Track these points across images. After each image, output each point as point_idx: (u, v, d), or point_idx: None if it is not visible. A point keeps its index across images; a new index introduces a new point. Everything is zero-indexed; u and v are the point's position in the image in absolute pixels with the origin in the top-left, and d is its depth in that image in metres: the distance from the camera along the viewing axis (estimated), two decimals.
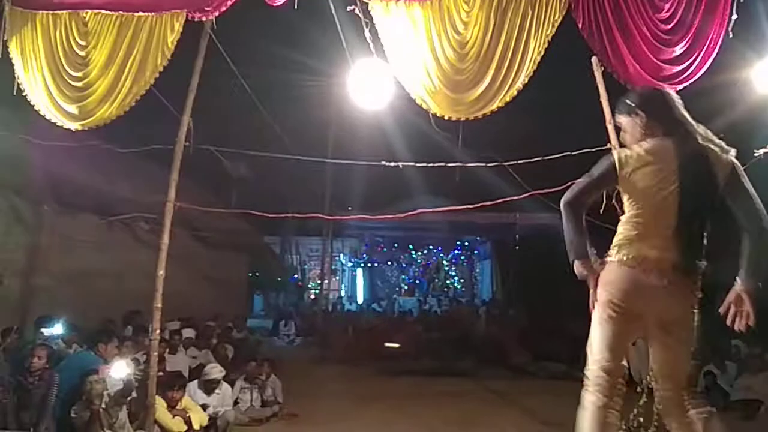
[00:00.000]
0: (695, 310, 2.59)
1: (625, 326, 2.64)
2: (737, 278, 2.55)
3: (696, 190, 2.54)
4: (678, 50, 4.02)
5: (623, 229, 2.67)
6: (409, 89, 4.37)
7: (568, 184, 4.76)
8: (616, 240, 2.69)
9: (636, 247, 2.59)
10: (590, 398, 2.65)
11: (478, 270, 21.85)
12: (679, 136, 2.63)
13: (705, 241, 2.62)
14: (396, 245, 21.13)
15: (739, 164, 2.60)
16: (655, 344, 2.67)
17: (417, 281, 21.90)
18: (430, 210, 5.73)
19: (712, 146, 2.60)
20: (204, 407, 5.83)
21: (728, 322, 2.56)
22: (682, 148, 2.58)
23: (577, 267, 2.74)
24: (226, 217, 10.46)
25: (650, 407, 4.36)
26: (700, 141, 2.60)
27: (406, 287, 21.74)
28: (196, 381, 6.13)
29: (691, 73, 4.00)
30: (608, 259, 2.67)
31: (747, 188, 2.57)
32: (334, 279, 22.12)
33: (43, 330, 6.35)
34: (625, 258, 2.60)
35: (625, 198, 2.68)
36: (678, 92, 4.10)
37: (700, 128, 2.69)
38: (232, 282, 13.67)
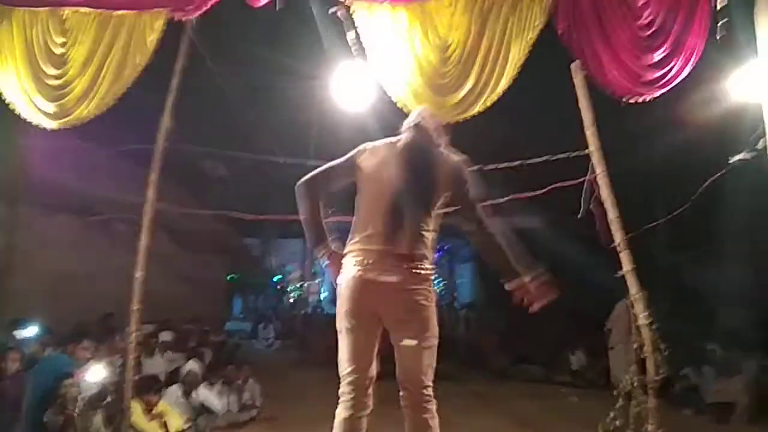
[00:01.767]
0: (425, 304, 2.57)
1: (364, 333, 2.62)
2: (516, 278, 2.64)
3: (415, 187, 2.61)
4: (657, 56, 4.07)
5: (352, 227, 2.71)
6: (391, 92, 4.36)
7: (549, 188, 4.83)
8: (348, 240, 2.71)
9: (358, 245, 2.62)
10: (339, 411, 2.60)
11: (458, 273, 21.91)
12: (411, 135, 2.75)
13: (428, 235, 2.63)
14: None
15: (466, 170, 2.72)
16: (394, 344, 2.63)
17: None
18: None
19: (444, 151, 2.75)
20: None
21: (530, 310, 2.65)
22: (408, 149, 2.70)
23: (316, 255, 2.80)
24: (205, 218, 10.36)
25: (627, 410, 4.42)
26: (430, 143, 2.74)
27: None
28: (177, 387, 6.07)
29: (670, 79, 4.05)
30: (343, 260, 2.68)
31: (470, 195, 2.66)
32: (314, 282, 22.03)
33: (16, 332, 6.23)
34: (350, 258, 2.62)
35: (358, 196, 2.73)
36: (657, 98, 4.18)
37: (441, 138, 2.83)
38: (211, 284, 13.55)
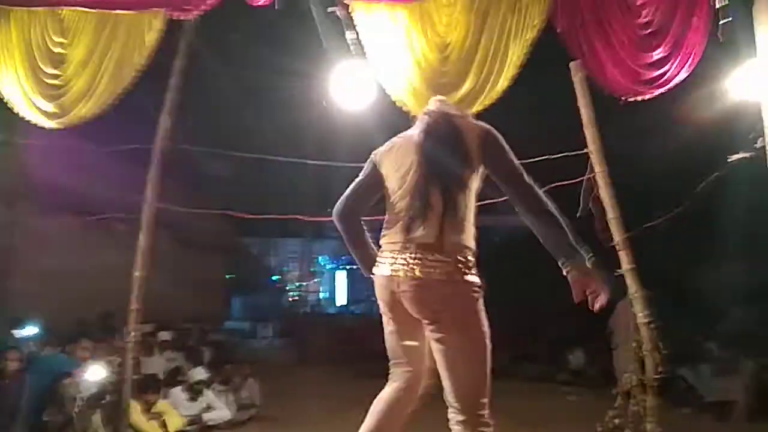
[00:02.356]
0: (462, 298, 2.26)
1: (406, 334, 2.43)
2: (564, 265, 2.25)
3: (439, 164, 2.33)
4: (656, 55, 4.07)
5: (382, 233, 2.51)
6: (390, 91, 4.36)
7: (547, 187, 4.83)
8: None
9: (385, 239, 2.44)
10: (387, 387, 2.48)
11: None
12: (428, 117, 2.50)
13: (465, 220, 2.34)
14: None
15: (496, 135, 2.39)
16: (432, 351, 2.34)
17: None
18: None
19: (464, 118, 2.51)
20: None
21: (594, 307, 2.24)
22: (426, 125, 2.47)
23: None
24: (204, 217, 10.35)
25: (626, 409, 4.43)
26: (449, 115, 2.48)
27: None
28: (179, 386, 6.08)
29: (669, 78, 4.04)
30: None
31: (507, 163, 2.34)
32: (314, 281, 22.03)
33: (15, 332, 6.24)
34: (380, 256, 2.44)
35: (386, 194, 2.52)
36: (656, 97, 4.18)
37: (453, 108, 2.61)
38: (210, 283, 13.55)
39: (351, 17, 4.33)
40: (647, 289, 4.41)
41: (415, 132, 2.51)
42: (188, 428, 5.79)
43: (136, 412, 5.05)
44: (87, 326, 7.05)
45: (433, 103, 2.61)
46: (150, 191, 4.68)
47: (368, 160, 2.59)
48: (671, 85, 4.07)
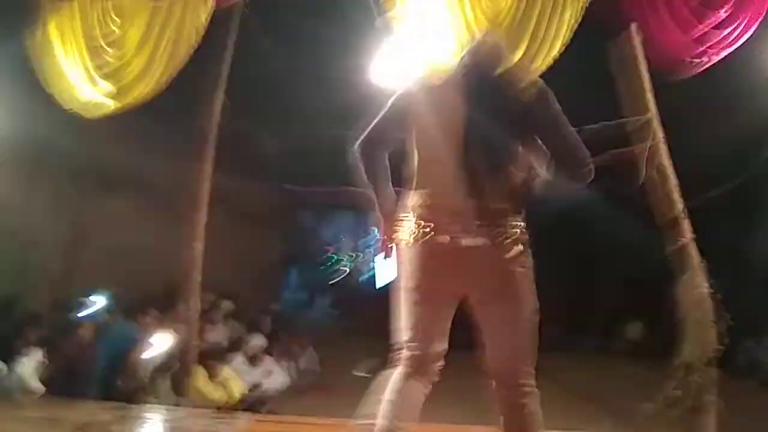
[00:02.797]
0: (521, 270, 2.08)
1: (436, 309, 2.16)
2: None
3: (486, 117, 2.05)
4: (722, 14, 3.87)
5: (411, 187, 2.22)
6: (440, 58, 4.30)
7: (607, 155, 4.70)
8: (406, 203, 2.20)
9: (421, 201, 2.13)
10: (394, 377, 2.20)
11: None
12: (470, 58, 2.23)
13: (513, 183, 2.12)
14: None
15: (546, 89, 2.12)
16: (479, 323, 2.15)
17: None
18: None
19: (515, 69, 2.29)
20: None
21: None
22: (471, 70, 2.19)
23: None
24: (260, 191, 10.56)
25: (688, 382, 4.33)
26: (497, 62, 2.22)
27: None
28: (239, 354, 6.28)
29: (733, 40, 3.85)
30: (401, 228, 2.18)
31: (555, 119, 2.07)
32: (368, 253, 22.20)
33: (87, 304, 6.57)
34: (413, 220, 2.13)
35: (414, 144, 2.23)
36: (718, 63, 3.97)
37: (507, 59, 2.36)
38: (267, 255, 13.84)
39: None
40: (709, 260, 4.28)
41: (456, 75, 2.23)
42: (250, 394, 5.99)
43: (201, 378, 5.26)
44: (153, 297, 7.35)
45: (476, 41, 2.34)
46: (207, 167, 4.80)
47: (395, 97, 2.27)
48: (734, 47, 3.87)
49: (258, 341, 6.61)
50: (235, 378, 5.84)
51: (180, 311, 6.45)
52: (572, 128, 2.09)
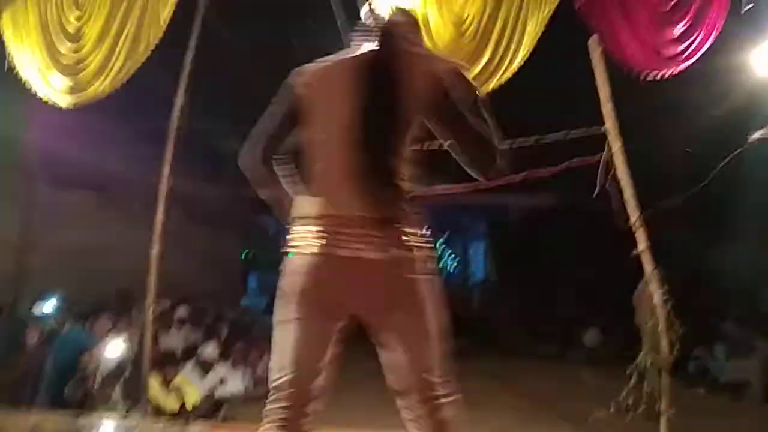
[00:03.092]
0: (425, 278, 1.83)
1: (317, 328, 1.83)
2: None
3: (384, 108, 1.77)
4: (678, 30, 3.99)
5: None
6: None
7: (564, 166, 4.78)
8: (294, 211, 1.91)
9: (313, 209, 1.83)
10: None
11: (471, 251, 21.92)
12: (379, 42, 1.89)
13: (408, 185, 1.85)
14: None
15: (463, 72, 1.89)
16: (384, 341, 1.87)
17: None
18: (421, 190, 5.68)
19: (419, 52, 1.96)
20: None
21: None
22: (376, 58, 1.86)
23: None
24: (219, 194, 10.43)
25: (640, 389, 4.43)
26: (404, 47, 1.89)
27: None
28: (190, 362, 6.16)
29: (690, 54, 3.97)
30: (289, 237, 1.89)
31: (472, 107, 1.83)
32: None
33: (35, 308, 6.35)
34: (304, 229, 1.83)
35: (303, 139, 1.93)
36: (678, 74, 4.10)
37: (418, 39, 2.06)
38: (227, 260, 13.67)
39: None
40: (663, 269, 4.38)
41: (359, 60, 1.89)
42: (204, 401, 5.88)
43: (154, 386, 5.14)
44: (106, 302, 7.16)
45: (389, 13, 2.02)
46: (166, 168, 4.70)
47: (285, 83, 1.96)
48: (692, 60, 3.99)
49: (212, 348, 6.49)
50: (190, 386, 5.72)
51: (134, 316, 6.33)
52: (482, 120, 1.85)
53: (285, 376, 1.80)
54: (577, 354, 10.26)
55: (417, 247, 1.81)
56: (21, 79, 4.74)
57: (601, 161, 4.44)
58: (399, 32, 1.91)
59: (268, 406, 1.82)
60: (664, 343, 4.23)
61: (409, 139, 1.84)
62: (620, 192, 4.34)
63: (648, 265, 4.30)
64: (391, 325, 1.83)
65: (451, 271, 21.79)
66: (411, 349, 1.82)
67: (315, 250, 1.79)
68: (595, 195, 4.52)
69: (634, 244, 4.34)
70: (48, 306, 6.55)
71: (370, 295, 1.80)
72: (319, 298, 1.80)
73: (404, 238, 1.78)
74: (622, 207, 4.36)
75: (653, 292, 4.31)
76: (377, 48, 1.87)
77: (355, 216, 1.76)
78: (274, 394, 1.83)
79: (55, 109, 4.81)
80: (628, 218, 4.32)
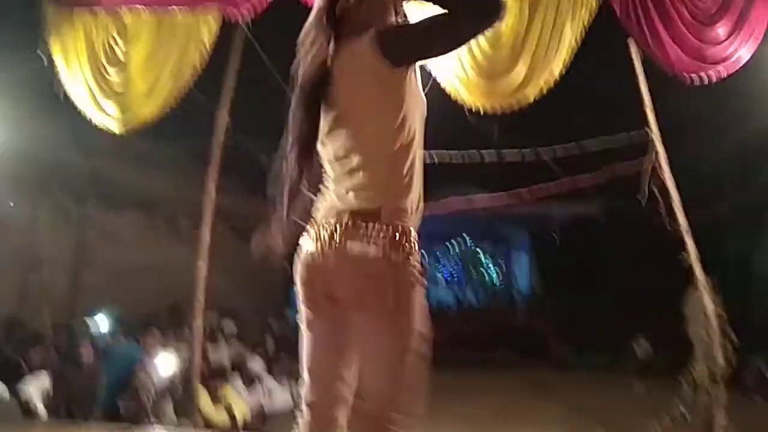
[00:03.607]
0: (408, 280, 1.61)
1: (326, 327, 1.73)
2: None
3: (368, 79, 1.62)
4: (721, 33, 3.89)
5: None
6: (440, 79, 4.32)
7: (605, 173, 4.70)
8: None
9: (318, 208, 1.76)
10: None
11: (515, 261, 21.63)
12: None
13: (410, 176, 1.66)
14: (430, 237, 21.03)
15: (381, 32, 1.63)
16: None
17: (453, 274, 21.78)
18: (462, 199, 5.63)
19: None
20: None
21: None
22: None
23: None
24: (263, 210, 10.58)
25: (695, 400, 4.29)
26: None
27: (442, 280, 21.65)
28: (238, 374, 6.24)
29: (736, 57, 3.86)
30: None
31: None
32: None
33: (89, 325, 6.55)
34: (306, 234, 1.75)
35: None
36: (723, 78, 3.99)
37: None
38: (271, 274, 13.83)
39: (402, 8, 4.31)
40: (715, 276, 4.25)
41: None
42: (252, 414, 5.94)
43: (204, 400, 5.22)
44: (156, 317, 7.33)
45: None
46: (211, 186, 4.81)
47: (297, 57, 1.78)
48: (739, 64, 3.88)
49: (258, 361, 6.57)
50: (238, 398, 5.80)
51: (183, 331, 6.46)
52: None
53: (306, 381, 1.75)
54: (627, 365, 9.98)
55: (392, 242, 1.60)
56: (76, 107, 4.90)
57: (646, 167, 4.36)
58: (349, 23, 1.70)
59: (298, 414, 1.76)
60: (718, 354, 4.10)
61: (375, 118, 1.65)
62: (666, 198, 4.25)
63: (699, 272, 4.19)
64: (357, 321, 1.65)
65: (496, 282, 21.56)
66: (369, 360, 1.65)
67: (306, 247, 1.73)
68: (643, 201, 4.42)
69: (683, 252, 4.23)
70: (101, 323, 6.75)
71: (340, 288, 1.66)
72: (313, 296, 1.73)
73: (373, 229, 1.60)
74: (669, 213, 4.26)
75: (705, 301, 4.19)
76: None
77: (331, 207, 1.68)
78: (301, 401, 1.78)
79: (105, 133, 4.98)
80: (676, 224, 4.22)
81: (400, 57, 1.61)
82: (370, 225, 1.60)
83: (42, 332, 6.10)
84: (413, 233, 1.67)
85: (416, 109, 1.68)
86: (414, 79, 1.68)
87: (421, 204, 1.71)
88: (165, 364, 5.26)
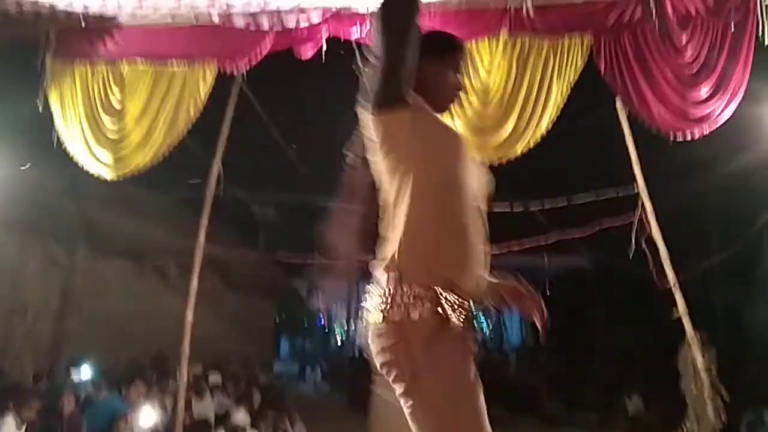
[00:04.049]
0: (415, 342, 1.50)
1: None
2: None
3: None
4: (703, 93, 4.01)
5: None
6: None
7: (595, 227, 4.75)
8: None
9: None
10: None
11: (506, 315, 21.49)
12: None
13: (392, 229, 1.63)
14: None
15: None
16: None
17: None
18: None
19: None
20: None
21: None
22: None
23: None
24: (253, 260, 10.55)
25: None
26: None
27: None
28: (221, 428, 6.09)
29: (718, 116, 3.97)
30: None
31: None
32: (361, 323, 21.92)
33: (72, 374, 6.41)
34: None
35: None
36: (705, 136, 4.09)
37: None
38: (259, 325, 13.67)
39: None
40: (705, 331, 4.24)
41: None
42: None
43: None
44: (140, 368, 7.19)
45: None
46: (201, 235, 4.81)
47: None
48: (721, 122, 3.98)
49: (243, 414, 6.41)
50: None
51: (168, 383, 6.33)
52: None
53: None
54: (619, 422, 9.82)
55: (396, 305, 1.53)
56: (68, 153, 4.94)
57: (633, 221, 4.41)
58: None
59: None
60: (709, 410, 4.05)
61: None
62: (655, 253, 4.28)
63: (688, 326, 4.18)
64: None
65: (487, 335, 21.36)
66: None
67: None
68: (631, 256, 4.46)
69: (674, 306, 4.23)
70: (84, 372, 6.61)
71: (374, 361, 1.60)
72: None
73: (385, 296, 1.55)
74: (657, 267, 4.28)
75: (695, 355, 4.17)
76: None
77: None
78: None
79: (97, 180, 4.99)
80: (665, 279, 4.24)
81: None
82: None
83: (22, 382, 5.95)
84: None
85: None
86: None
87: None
88: (148, 416, 5.14)
